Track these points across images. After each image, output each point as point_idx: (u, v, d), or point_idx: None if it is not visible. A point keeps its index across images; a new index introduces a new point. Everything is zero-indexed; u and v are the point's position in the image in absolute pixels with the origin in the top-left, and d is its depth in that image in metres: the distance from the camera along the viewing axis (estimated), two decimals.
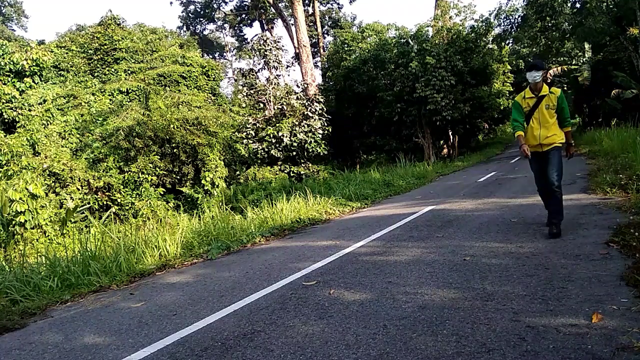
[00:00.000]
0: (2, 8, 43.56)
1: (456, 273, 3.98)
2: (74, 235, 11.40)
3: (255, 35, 33.83)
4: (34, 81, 15.60)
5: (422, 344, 2.65)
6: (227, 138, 17.08)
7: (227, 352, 2.93)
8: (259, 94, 17.86)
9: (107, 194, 13.85)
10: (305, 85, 19.83)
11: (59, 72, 18.25)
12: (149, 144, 14.38)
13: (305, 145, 17.36)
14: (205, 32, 45.08)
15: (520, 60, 32.56)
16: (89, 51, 19.35)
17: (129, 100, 17.55)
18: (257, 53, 18.05)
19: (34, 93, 15.27)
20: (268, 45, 17.81)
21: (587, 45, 24.47)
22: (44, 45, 18.17)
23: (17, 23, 44.91)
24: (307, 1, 34.61)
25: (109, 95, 17.48)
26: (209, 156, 15.08)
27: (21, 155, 13.17)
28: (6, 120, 14.70)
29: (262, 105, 18.25)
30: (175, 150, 14.70)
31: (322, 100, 18.57)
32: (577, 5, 22.83)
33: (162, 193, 14.62)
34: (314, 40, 34.79)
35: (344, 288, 3.99)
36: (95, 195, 13.66)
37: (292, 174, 17.52)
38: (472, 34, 22.99)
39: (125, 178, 14.21)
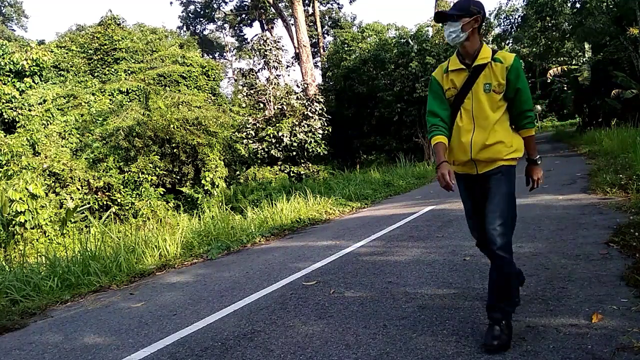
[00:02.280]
0: (2, 8, 43.56)
1: (456, 273, 3.98)
2: (74, 235, 11.41)
3: (255, 35, 33.84)
4: (34, 81, 15.58)
5: (422, 344, 2.65)
6: (227, 138, 17.08)
7: (227, 352, 2.93)
8: (259, 94, 17.84)
9: (107, 194, 13.85)
10: (305, 85, 19.81)
11: (59, 72, 18.24)
12: (149, 144, 14.38)
13: (305, 145, 17.35)
14: (205, 32, 45.06)
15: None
16: (89, 51, 19.34)
17: (129, 100, 17.54)
18: (257, 53, 18.03)
19: (34, 93, 15.26)
20: (268, 45, 17.79)
21: (587, 45, 24.45)
22: (44, 45, 18.16)
23: (17, 23, 44.93)
24: (307, 1, 34.56)
25: (109, 95, 17.48)
26: (209, 156, 15.07)
27: (21, 155, 13.17)
28: (6, 120, 14.69)
29: (262, 105, 18.23)
30: (175, 150, 14.70)
31: (322, 100, 18.54)
32: (577, 5, 22.83)
33: (162, 193, 14.62)
34: (314, 40, 34.75)
35: (344, 288, 4.00)
36: (95, 195, 13.67)
37: (292, 174, 17.51)
38: None
39: (125, 178, 14.21)
